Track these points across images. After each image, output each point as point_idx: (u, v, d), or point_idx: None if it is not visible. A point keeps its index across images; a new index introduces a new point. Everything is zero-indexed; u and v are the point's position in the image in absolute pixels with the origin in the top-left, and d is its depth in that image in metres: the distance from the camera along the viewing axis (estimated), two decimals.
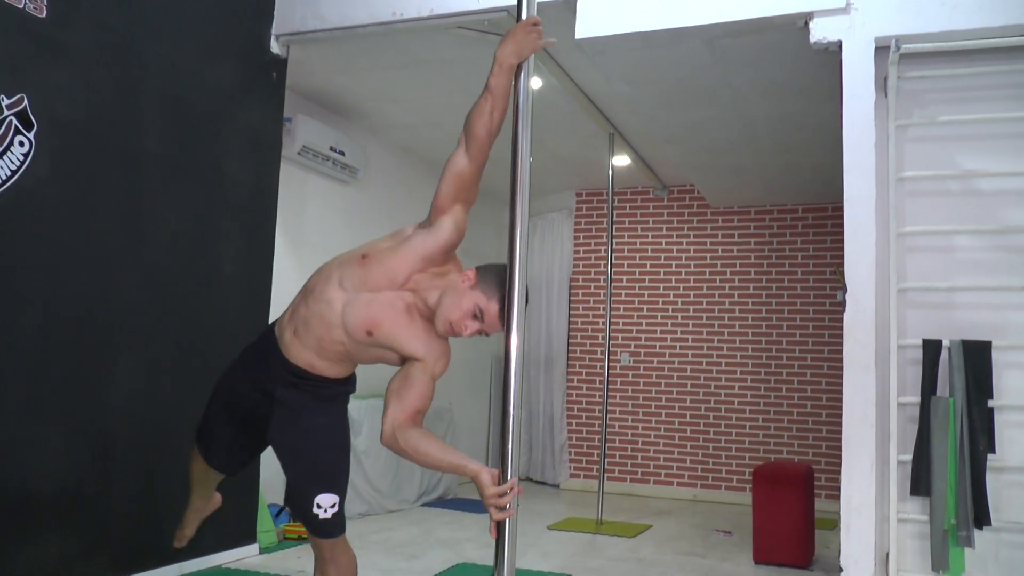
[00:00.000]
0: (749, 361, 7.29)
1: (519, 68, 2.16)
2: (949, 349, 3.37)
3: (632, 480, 7.54)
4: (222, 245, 4.27)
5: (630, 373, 7.62)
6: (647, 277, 7.68)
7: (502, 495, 2.04)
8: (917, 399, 3.39)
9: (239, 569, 4.14)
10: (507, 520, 2.03)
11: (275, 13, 4.57)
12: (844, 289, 3.47)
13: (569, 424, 7.81)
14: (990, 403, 3.30)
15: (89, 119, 3.58)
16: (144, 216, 3.84)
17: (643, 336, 7.63)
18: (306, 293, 2.39)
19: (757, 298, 7.33)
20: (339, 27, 4.44)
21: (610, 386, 7.60)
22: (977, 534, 3.27)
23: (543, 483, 7.83)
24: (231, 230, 4.33)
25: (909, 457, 3.36)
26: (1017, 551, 3.28)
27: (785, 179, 6.48)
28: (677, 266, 7.62)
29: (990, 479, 3.28)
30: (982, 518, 3.23)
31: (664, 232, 7.69)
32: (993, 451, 3.28)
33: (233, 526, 4.32)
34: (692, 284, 7.55)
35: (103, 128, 3.64)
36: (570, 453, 7.80)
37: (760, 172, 6.40)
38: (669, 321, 7.58)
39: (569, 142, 6.39)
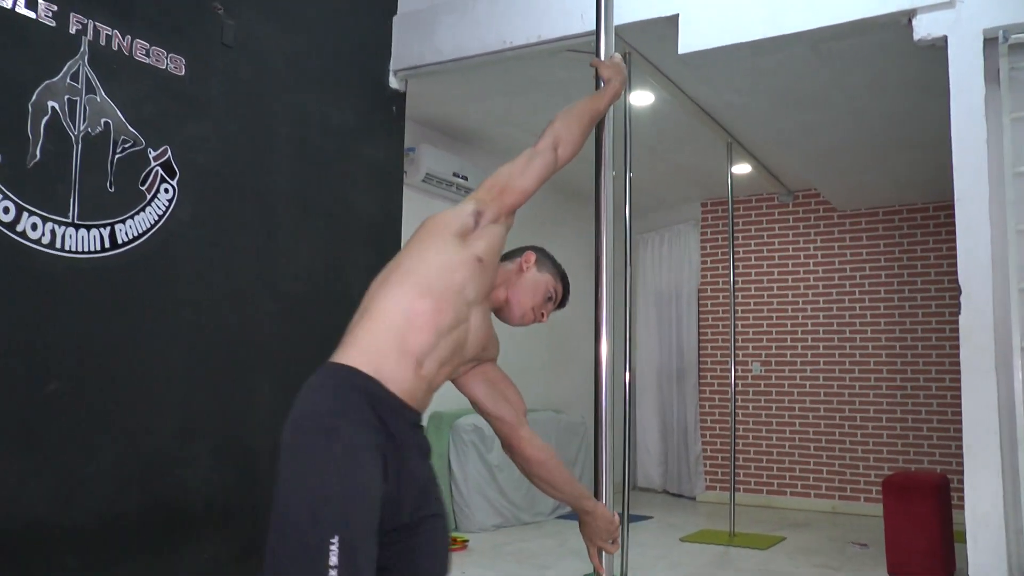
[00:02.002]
0: (884, 367, 7.07)
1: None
2: None
3: (768, 492, 7.43)
4: (351, 273, 4.52)
5: (762, 383, 7.51)
6: (775, 285, 7.57)
7: (617, 527, 2.13)
8: None
9: None
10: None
11: (392, 50, 4.82)
12: (959, 291, 3.39)
13: (703, 435, 7.77)
14: None
15: (225, 165, 3.89)
16: (278, 251, 4.13)
17: (773, 345, 7.51)
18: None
19: (889, 301, 7.11)
20: (453, 59, 4.64)
21: (741, 396, 7.53)
22: None
23: (679, 495, 7.81)
24: (359, 258, 4.58)
25: None
26: None
27: (912, 177, 6.29)
28: (805, 272, 7.48)
29: None
30: None
31: (791, 238, 7.57)
32: None
33: None
34: (821, 290, 7.39)
35: (238, 173, 3.95)
36: (705, 465, 7.75)
37: (884, 171, 6.24)
38: (799, 329, 7.44)
39: (689, 153, 6.41)
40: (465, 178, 5.89)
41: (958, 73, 3.49)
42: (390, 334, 1.87)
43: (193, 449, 3.69)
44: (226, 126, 3.91)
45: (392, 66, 4.82)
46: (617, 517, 2.14)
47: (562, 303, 2.18)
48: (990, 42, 3.44)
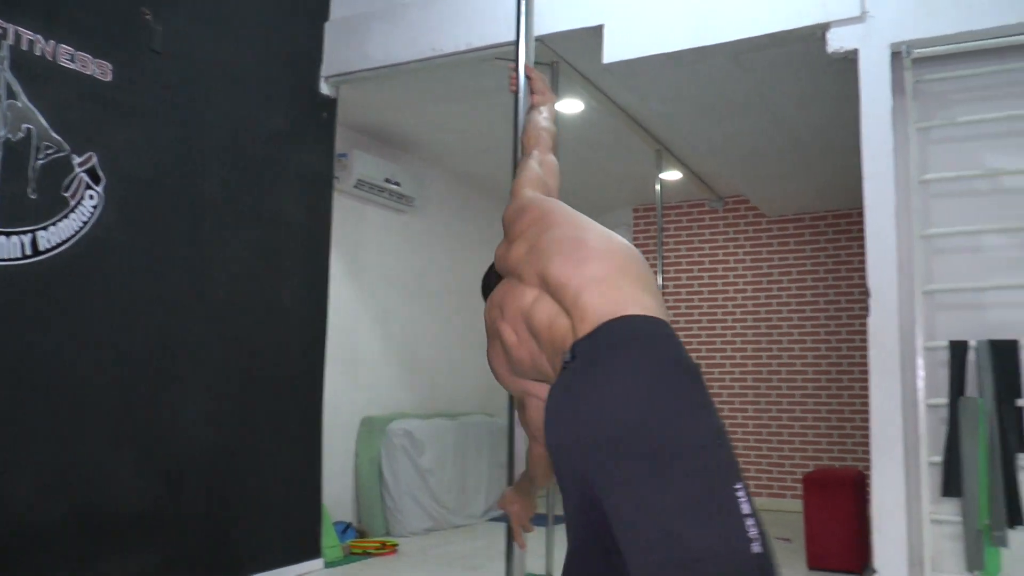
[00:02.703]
0: (810, 368, 7.28)
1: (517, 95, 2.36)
2: (976, 350, 3.39)
3: None
4: (280, 280, 4.53)
5: None
6: (706, 289, 7.74)
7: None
8: (947, 400, 3.41)
9: None
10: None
11: (324, 56, 4.84)
12: (867, 294, 3.53)
13: None
14: (1019, 402, 3.31)
15: (153, 172, 3.88)
16: (206, 257, 4.12)
17: (703, 348, 7.67)
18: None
19: (815, 304, 7.32)
20: (384, 65, 4.67)
21: None
22: (1014, 533, 3.27)
23: None
24: (288, 265, 4.59)
25: (940, 459, 3.39)
26: None
27: (836, 184, 6.48)
28: (735, 276, 7.66)
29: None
30: (1015, 517, 3.24)
31: (721, 243, 7.75)
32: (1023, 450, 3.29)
33: (299, 541, 4.56)
34: (750, 294, 7.58)
35: (166, 179, 3.94)
36: None
37: (809, 178, 6.43)
38: (729, 332, 7.62)
39: (620, 160, 6.52)
40: (398, 184, 5.93)
41: (868, 85, 3.63)
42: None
43: (119, 457, 3.67)
44: (154, 132, 3.90)
45: (323, 72, 4.84)
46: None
47: None
48: (897, 56, 3.59)
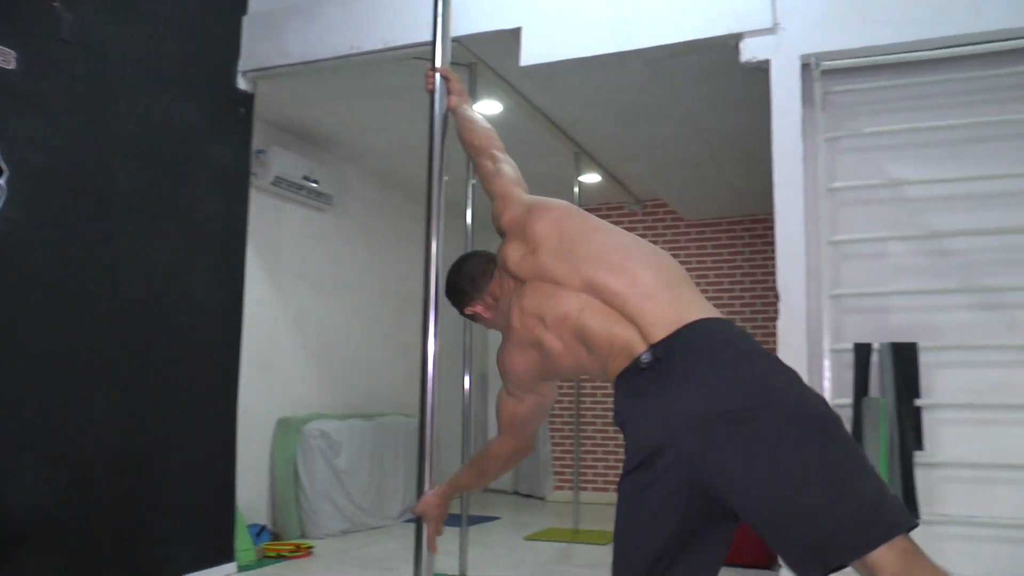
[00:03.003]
0: None
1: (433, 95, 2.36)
2: (879, 352, 3.51)
3: (615, 490, 7.65)
4: (194, 277, 4.44)
5: (610, 385, 7.74)
6: None
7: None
8: (852, 401, 3.52)
9: None
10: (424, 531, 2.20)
11: (241, 50, 4.76)
12: (777, 297, 3.63)
13: (552, 437, 7.96)
14: (918, 402, 3.44)
15: (61, 164, 3.76)
16: (119, 254, 4.01)
17: None
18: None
19: (731, 307, 7.48)
20: (302, 61, 4.62)
21: (590, 398, 7.76)
22: None
23: (530, 496, 7.96)
24: (203, 262, 4.50)
25: None
26: (949, 543, 3.40)
27: (751, 189, 6.63)
28: None
29: (922, 475, 3.42)
30: (912, 512, 3.36)
31: None
32: (922, 448, 3.42)
33: (212, 545, 4.48)
34: None
35: (76, 172, 3.82)
36: (554, 465, 7.94)
37: (725, 184, 6.57)
38: None
39: (539, 162, 6.54)
40: (316, 182, 5.86)
41: (779, 95, 3.73)
42: None
43: (23, 458, 3.54)
44: (63, 123, 3.77)
45: (241, 67, 4.75)
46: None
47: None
48: (807, 67, 3.70)
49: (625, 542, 1.80)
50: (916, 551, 1.56)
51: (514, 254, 2.05)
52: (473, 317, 2.21)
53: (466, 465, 2.26)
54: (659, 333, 1.75)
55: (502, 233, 2.18)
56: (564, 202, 2.13)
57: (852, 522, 1.54)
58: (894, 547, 1.53)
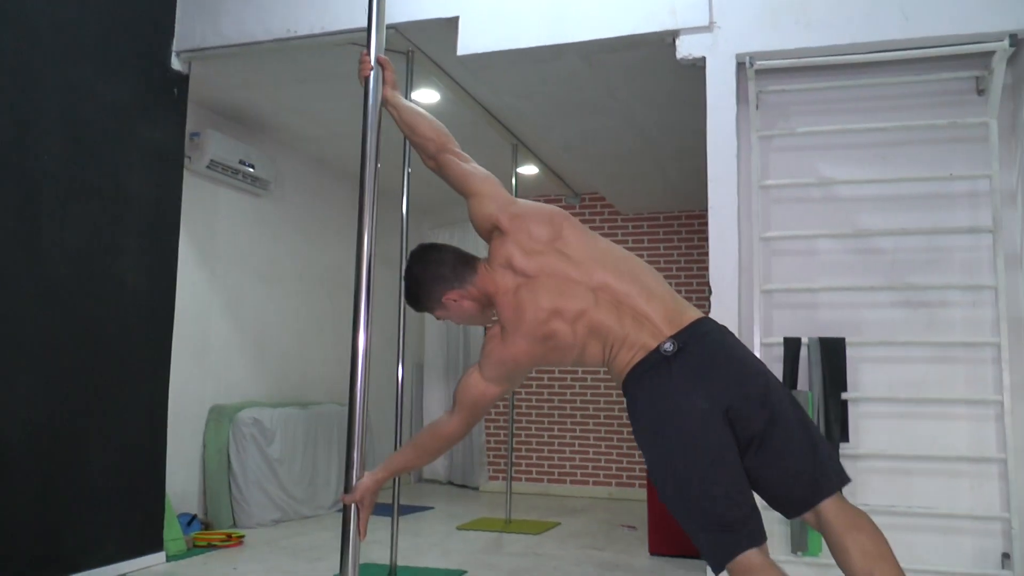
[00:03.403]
0: None
1: (368, 82, 2.35)
2: (808, 346, 3.60)
3: (549, 480, 7.74)
4: (124, 260, 4.34)
5: (545, 376, 7.81)
6: None
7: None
8: None
9: None
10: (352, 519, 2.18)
11: (175, 30, 4.66)
12: (710, 291, 3.69)
13: (487, 427, 7.98)
14: (844, 395, 3.54)
15: None
16: (41, 233, 3.90)
17: None
18: None
19: None
20: (237, 43, 4.55)
21: (525, 389, 7.81)
22: None
23: (464, 486, 7.98)
24: (133, 245, 4.41)
25: None
26: None
27: (687, 185, 6.73)
28: None
29: (846, 466, 3.49)
30: None
31: None
32: (847, 440, 3.52)
33: (138, 534, 4.40)
34: None
35: (1, 147, 3.71)
36: (489, 456, 7.97)
37: (661, 179, 6.65)
38: None
39: (477, 153, 6.41)
40: (252, 166, 5.77)
41: (714, 92, 3.80)
42: None
43: None
44: None
45: (175, 46, 4.66)
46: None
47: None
48: (742, 66, 3.76)
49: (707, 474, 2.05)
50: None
51: (519, 251, 2.22)
52: (444, 308, 2.31)
53: (407, 445, 2.29)
54: (670, 329, 2.09)
55: (489, 230, 2.31)
56: (553, 206, 2.40)
57: (825, 470, 2.17)
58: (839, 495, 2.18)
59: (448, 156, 2.46)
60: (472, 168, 2.47)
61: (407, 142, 4.65)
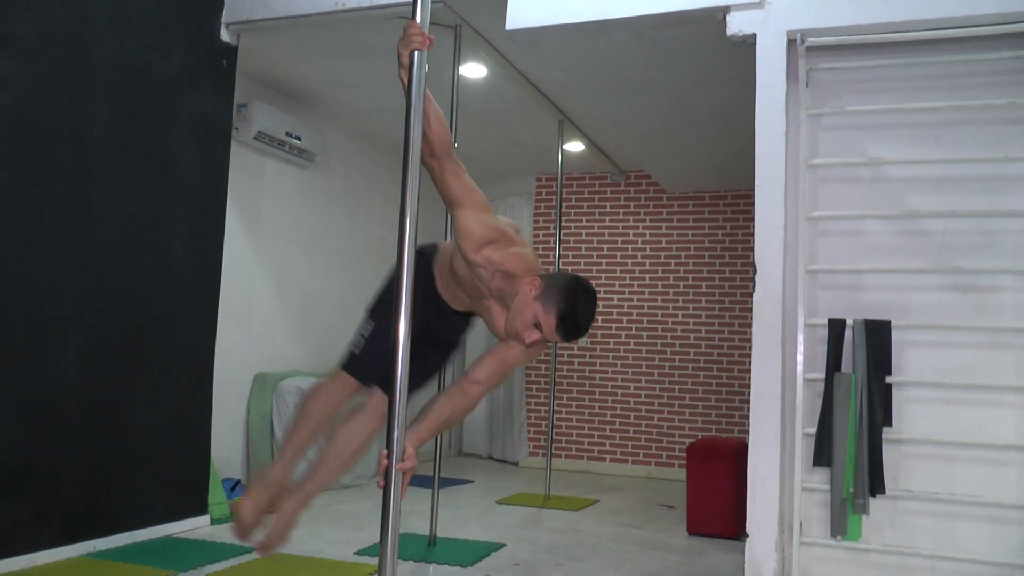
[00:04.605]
0: (702, 342, 7.49)
1: (412, 60, 2.30)
2: (852, 328, 3.55)
3: (588, 458, 7.75)
4: (172, 228, 4.41)
5: (587, 354, 7.81)
6: (604, 260, 7.86)
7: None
8: (824, 375, 3.57)
9: (189, 539, 4.31)
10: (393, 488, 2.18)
11: (225, 2, 4.70)
12: (754, 271, 3.65)
13: (528, 404, 8.01)
14: (888, 379, 3.49)
15: (34, 108, 3.72)
16: (92, 200, 3.98)
17: (600, 318, 7.81)
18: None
19: (710, 281, 7.53)
20: (286, 16, 4.58)
21: (567, 366, 7.81)
22: (875, 502, 3.47)
23: (503, 461, 8.03)
24: (181, 213, 4.48)
25: (815, 430, 3.55)
26: (911, 518, 3.47)
27: (734, 164, 6.64)
28: (633, 250, 7.80)
29: (888, 451, 3.48)
30: (877, 487, 3.42)
31: (621, 216, 7.87)
32: (890, 424, 3.47)
33: (184, 497, 4.50)
34: (648, 267, 7.74)
35: (49, 116, 3.78)
36: (529, 432, 8.00)
37: (709, 158, 6.57)
38: (625, 303, 7.77)
39: (524, 128, 6.54)
40: (299, 138, 5.82)
41: (764, 69, 3.74)
42: None
43: None
44: (37, 66, 3.73)
45: (224, 18, 4.71)
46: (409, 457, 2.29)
47: (552, 336, 2.42)
48: (792, 43, 3.70)
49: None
50: None
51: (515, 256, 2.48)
52: None
53: (433, 415, 2.55)
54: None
55: (484, 241, 2.41)
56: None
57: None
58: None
59: (450, 161, 2.44)
60: (472, 183, 2.52)
61: (455, 118, 4.66)
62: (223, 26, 4.70)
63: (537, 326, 2.37)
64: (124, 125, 4.13)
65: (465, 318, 2.89)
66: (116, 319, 4.09)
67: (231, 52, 4.78)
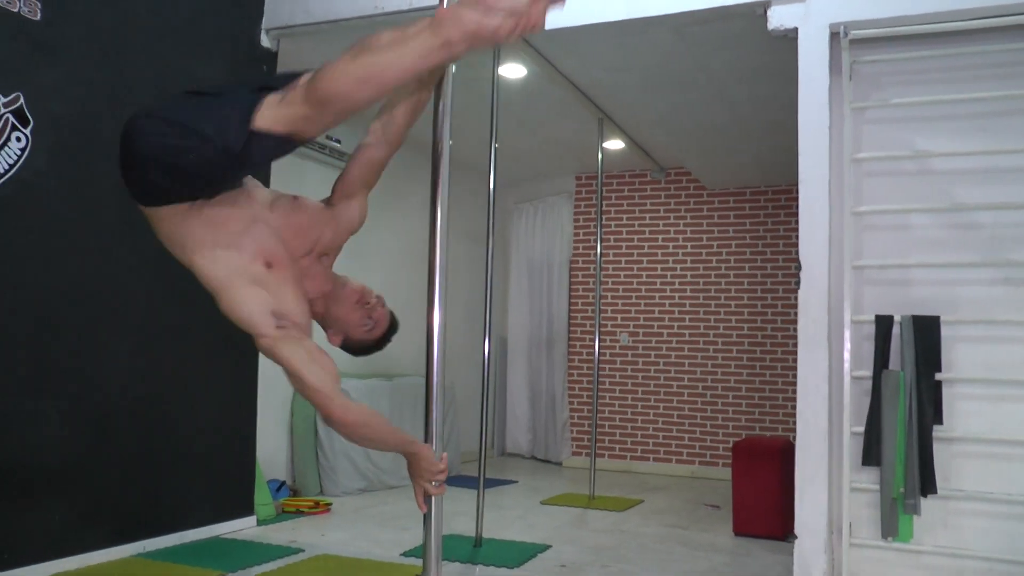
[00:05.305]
0: (745, 340, 7.42)
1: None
2: (900, 324, 3.49)
3: (632, 458, 7.71)
4: None
5: (629, 352, 7.77)
6: (645, 258, 7.82)
7: (443, 471, 2.16)
8: (871, 373, 3.51)
9: (236, 539, 4.36)
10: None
11: (264, 8, 4.75)
12: (799, 267, 3.61)
13: (571, 403, 7.99)
14: (938, 376, 3.42)
15: (83, 114, 3.79)
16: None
17: (641, 316, 7.77)
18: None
19: (752, 277, 7.45)
20: (325, 20, 4.61)
21: (609, 366, 7.78)
22: (926, 502, 3.40)
23: (546, 461, 8.02)
24: None
25: (863, 429, 3.50)
26: (964, 518, 3.41)
27: (775, 159, 6.57)
28: (674, 247, 7.75)
29: (939, 450, 3.41)
30: (927, 487, 3.36)
31: (662, 214, 7.82)
32: (940, 422, 3.41)
33: (231, 498, 4.55)
34: (689, 265, 7.68)
35: (96, 123, 3.84)
36: (572, 431, 7.98)
37: (751, 153, 6.51)
38: (667, 301, 7.72)
39: (563, 127, 6.52)
40: (338, 141, 5.87)
41: (806, 63, 3.69)
42: None
43: (41, 407, 3.60)
44: (86, 75, 3.80)
45: (264, 24, 4.75)
46: (445, 461, 2.19)
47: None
48: (835, 36, 3.64)
49: None
50: None
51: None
52: None
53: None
54: None
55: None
56: None
57: None
58: None
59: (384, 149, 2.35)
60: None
61: (495, 119, 4.67)
62: (263, 32, 4.75)
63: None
64: None
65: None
66: (163, 323, 4.15)
67: (271, 57, 4.83)
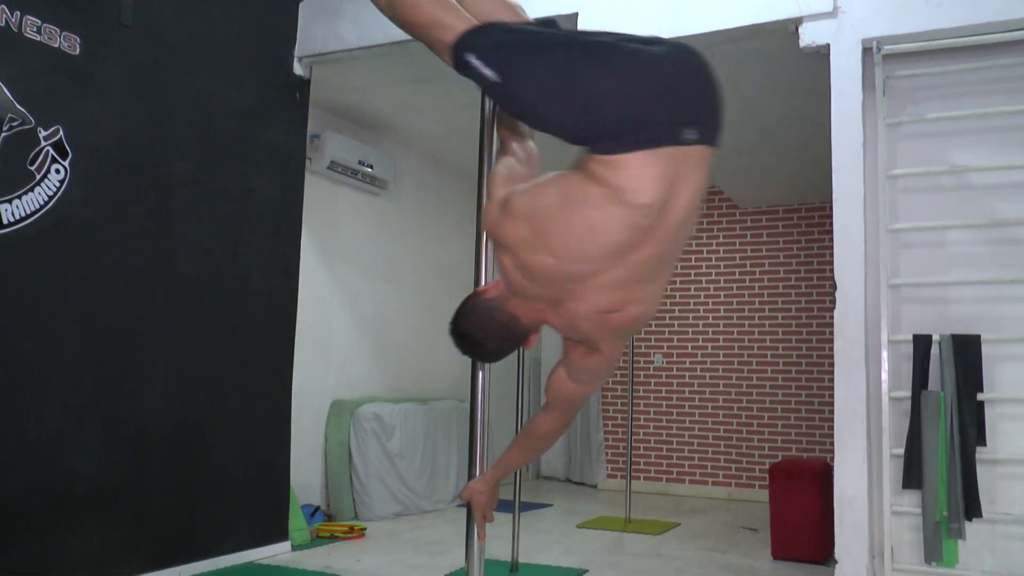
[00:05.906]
0: (780, 360, 7.33)
1: None
2: (939, 344, 3.43)
3: (668, 480, 7.63)
4: (250, 258, 4.50)
5: (663, 374, 7.71)
6: (678, 279, 7.76)
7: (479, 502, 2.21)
8: (910, 394, 3.45)
9: (272, 565, 4.36)
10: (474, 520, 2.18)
11: (297, 36, 4.81)
12: (834, 286, 3.56)
13: (605, 425, 7.93)
14: (980, 396, 3.35)
15: (120, 146, 3.84)
16: (174, 234, 4.09)
17: (675, 337, 7.71)
18: None
19: (787, 296, 7.37)
20: (358, 47, 4.65)
21: (644, 387, 7.72)
22: (971, 526, 3.32)
23: (581, 483, 7.96)
24: (258, 244, 4.56)
25: (902, 451, 3.43)
26: (1011, 542, 3.32)
27: (809, 177, 6.52)
28: (708, 267, 7.69)
29: (983, 472, 3.34)
30: (972, 510, 3.28)
31: (695, 234, 7.77)
32: (984, 444, 3.33)
33: (266, 523, 4.56)
34: (723, 285, 7.62)
35: (134, 154, 3.90)
36: (607, 454, 7.92)
37: (784, 171, 6.46)
38: (700, 322, 7.65)
39: None
40: (371, 167, 5.90)
41: (839, 80, 3.66)
42: None
43: (81, 433, 3.64)
44: (123, 107, 3.86)
45: (297, 52, 4.81)
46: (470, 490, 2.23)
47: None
48: (868, 52, 3.61)
49: None
50: None
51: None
52: None
53: (513, 445, 2.25)
54: None
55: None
56: None
57: None
58: None
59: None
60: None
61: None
62: (296, 60, 4.80)
63: None
64: (203, 160, 4.24)
65: None
66: (197, 349, 4.18)
67: (304, 85, 4.88)
